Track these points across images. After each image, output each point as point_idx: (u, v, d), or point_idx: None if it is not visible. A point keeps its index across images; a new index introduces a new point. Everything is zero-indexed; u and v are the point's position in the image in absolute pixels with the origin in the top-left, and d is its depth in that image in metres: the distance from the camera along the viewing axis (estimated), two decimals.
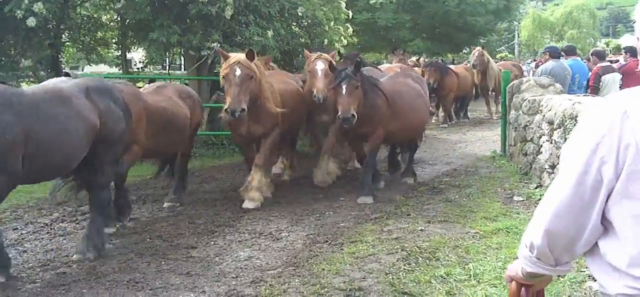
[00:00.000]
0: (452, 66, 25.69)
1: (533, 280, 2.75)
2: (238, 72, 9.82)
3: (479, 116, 26.02)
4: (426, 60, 25.11)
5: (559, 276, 6.58)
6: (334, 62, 11.66)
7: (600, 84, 13.96)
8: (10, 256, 7.63)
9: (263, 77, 10.53)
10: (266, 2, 15.31)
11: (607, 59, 16.76)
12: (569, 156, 2.43)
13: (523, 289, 2.81)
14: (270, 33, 14.95)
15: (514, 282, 2.81)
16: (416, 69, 20.54)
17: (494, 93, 25.36)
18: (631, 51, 15.69)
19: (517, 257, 2.75)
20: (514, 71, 25.51)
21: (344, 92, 10.12)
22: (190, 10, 14.43)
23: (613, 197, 2.26)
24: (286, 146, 13.06)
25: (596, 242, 2.40)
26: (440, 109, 24.70)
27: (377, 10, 30.00)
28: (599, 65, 14.81)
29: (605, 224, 2.35)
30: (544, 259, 2.55)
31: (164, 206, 10.68)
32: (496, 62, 29.34)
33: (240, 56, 10.18)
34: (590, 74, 15.04)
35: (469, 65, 26.31)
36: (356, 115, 10.03)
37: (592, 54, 16.16)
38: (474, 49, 26.14)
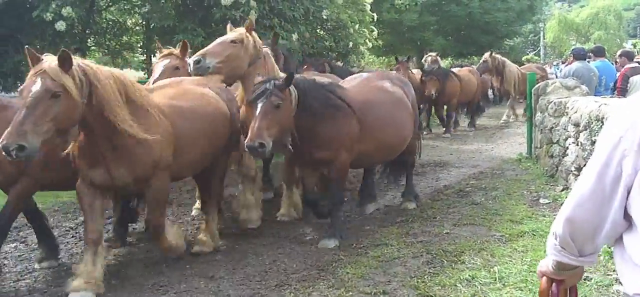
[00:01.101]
0: (455, 69, 24.34)
1: (563, 274, 2.77)
2: (34, 88, 5.99)
3: (489, 123, 25.51)
4: (426, 68, 22.92)
5: (585, 279, 6.54)
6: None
7: (628, 85, 13.82)
8: (35, 259, 7.70)
9: (107, 88, 6.50)
10: (291, 6, 15.33)
11: (635, 60, 16.60)
12: (595, 150, 2.47)
13: (554, 285, 2.80)
14: (294, 36, 14.96)
15: (544, 278, 2.83)
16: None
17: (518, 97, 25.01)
18: None
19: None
20: (538, 74, 25.32)
21: (257, 112, 7.53)
22: (214, 14, 14.48)
23: (633, 192, 2.28)
24: (204, 192, 8.88)
25: (622, 238, 2.41)
26: (430, 119, 22.99)
27: (403, 11, 29.97)
28: (627, 66, 14.67)
29: (629, 220, 2.37)
30: (567, 248, 2.60)
31: (192, 213, 10.67)
32: (522, 65, 29.19)
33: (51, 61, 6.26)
34: (617, 75, 14.91)
35: (473, 68, 25.31)
36: (270, 144, 7.39)
37: (620, 55, 15.99)
38: (490, 51, 25.17)
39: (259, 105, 7.60)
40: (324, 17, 16.37)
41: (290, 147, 8.20)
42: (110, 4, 17.56)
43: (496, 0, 31.09)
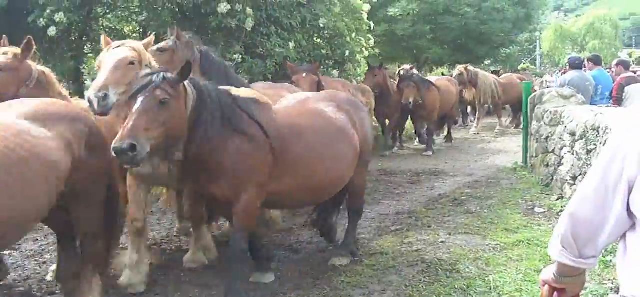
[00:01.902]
0: (433, 78, 22.75)
1: (565, 282, 2.79)
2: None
3: (483, 133, 25.50)
4: (401, 72, 19.69)
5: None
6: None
7: (624, 94, 13.85)
8: (30, 267, 7.70)
9: None
10: (288, 14, 15.34)
11: (630, 69, 16.66)
12: (602, 150, 2.55)
13: (556, 293, 2.82)
14: (291, 44, 14.97)
15: (546, 286, 2.85)
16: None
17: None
18: None
19: (540, 270, 2.80)
20: (518, 86, 25.13)
21: (135, 108, 5.71)
22: (211, 22, 14.49)
23: (635, 190, 2.34)
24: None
25: (625, 237, 2.44)
26: (397, 136, 20.35)
27: (398, 21, 29.96)
28: (622, 75, 14.72)
29: (633, 218, 2.42)
30: (568, 248, 2.63)
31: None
32: (517, 73, 29.29)
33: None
34: (613, 84, 14.97)
35: (452, 78, 23.67)
36: (145, 148, 5.52)
37: (617, 64, 16.05)
38: (465, 65, 24.77)
39: (139, 101, 5.74)
40: (321, 25, 16.36)
41: (176, 169, 6.72)
42: (107, 11, 17.53)
43: (492, 11, 31.03)
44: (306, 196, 7.37)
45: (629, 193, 2.36)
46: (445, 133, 22.26)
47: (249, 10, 14.04)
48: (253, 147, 6.42)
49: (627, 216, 2.42)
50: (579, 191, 2.58)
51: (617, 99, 13.71)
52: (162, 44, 8.47)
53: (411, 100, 17.88)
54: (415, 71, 21.13)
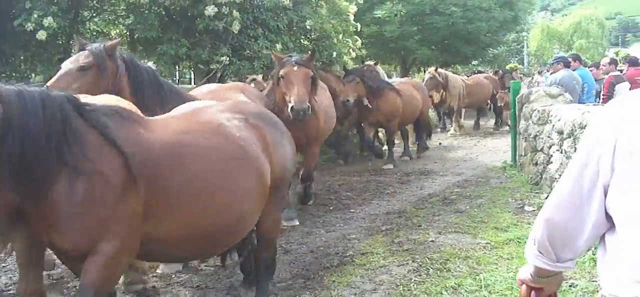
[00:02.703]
0: (397, 80, 20.03)
1: (542, 282, 2.78)
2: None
3: (472, 133, 25.51)
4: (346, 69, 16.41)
5: (571, 286, 6.57)
6: None
7: (614, 93, 13.93)
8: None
9: None
10: (274, 16, 15.36)
11: (617, 68, 16.77)
12: (575, 153, 2.50)
13: (533, 292, 2.82)
14: (278, 46, 14.98)
15: (524, 286, 2.84)
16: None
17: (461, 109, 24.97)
18: (631, 62, 15.92)
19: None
20: (487, 86, 25.59)
21: None
22: (198, 25, 14.49)
23: (611, 192, 2.29)
24: None
25: (604, 239, 2.43)
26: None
27: (385, 23, 29.96)
28: (611, 74, 14.81)
29: (611, 220, 2.37)
30: (545, 253, 2.60)
31: None
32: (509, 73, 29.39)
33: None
34: (595, 82, 15.06)
35: (417, 81, 21.55)
36: None
37: (610, 63, 16.20)
38: (435, 66, 23.97)
39: None
40: (308, 27, 16.37)
41: None
42: (94, 14, 17.49)
43: (479, 11, 31.06)
44: (195, 245, 5.23)
45: (605, 196, 2.32)
46: (420, 142, 18.90)
47: (235, 13, 14.05)
48: (102, 179, 4.38)
49: (605, 219, 2.38)
50: (554, 194, 2.55)
51: (608, 97, 13.77)
52: (83, 60, 6.99)
53: (350, 99, 14.70)
54: (380, 70, 18.96)
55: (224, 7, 13.98)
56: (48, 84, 6.30)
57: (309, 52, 10.49)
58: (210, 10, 13.75)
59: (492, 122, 27.19)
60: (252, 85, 10.79)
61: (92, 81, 6.81)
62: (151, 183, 4.61)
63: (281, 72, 9.46)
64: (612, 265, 2.34)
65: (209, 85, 9.88)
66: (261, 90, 10.77)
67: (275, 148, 5.83)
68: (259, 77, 11.20)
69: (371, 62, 19.41)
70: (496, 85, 26.24)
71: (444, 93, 23.38)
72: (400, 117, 16.56)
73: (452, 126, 24.62)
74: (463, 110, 25.30)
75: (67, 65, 6.95)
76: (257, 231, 6.25)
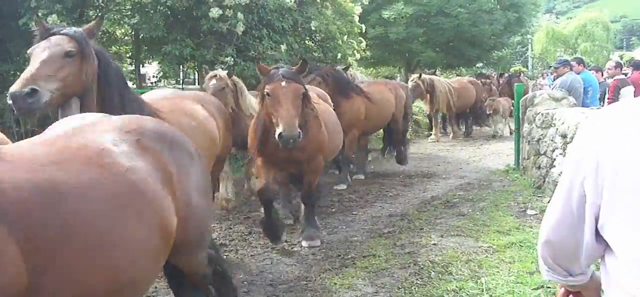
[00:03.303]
0: (365, 82, 16.22)
1: (578, 288, 2.72)
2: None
3: (475, 135, 25.34)
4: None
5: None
6: None
7: (619, 96, 13.92)
8: None
9: None
10: (279, 17, 15.38)
11: (621, 71, 16.73)
12: (563, 171, 2.45)
13: (571, 296, 2.78)
14: (283, 47, 15.00)
15: (562, 289, 2.80)
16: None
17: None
18: (636, 65, 15.88)
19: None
20: (470, 90, 24.47)
21: None
22: (202, 26, 14.52)
23: (602, 215, 2.22)
24: None
25: (605, 261, 2.38)
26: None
27: (390, 24, 29.94)
28: (616, 77, 14.80)
29: (604, 242, 2.30)
30: (554, 270, 2.59)
31: None
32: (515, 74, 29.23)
33: None
34: (599, 86, 15.05)
35: (393, 82, 18.43)
36: None
37: (615, 66, 16.13)
38: (418, 74, 22.71)
39: None
40: (313, 28, 16.40)
41: None
42: (99, 14, 17.52)
43: (482, 13, 31.06)
44: None
45: (596, 220, 2.25)
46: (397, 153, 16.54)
47: (239, 15, 14.08)
48: None
49: (596, 243, 2.31)
50: (548, 215, 2.50)
51: (613, 101, 13.77)
52: (67, 44, 5.88)
53: None
54: (359, 75, 17.31)
55: (228, 9, 14.00)
56: (28, 72, 5.52)
57: (300, 61, 8.55)
58: (215, 12, 13.79)
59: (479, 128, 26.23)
60: (213, 82, 9.75)
61: (76, 72, 5.78)
62: (21, 234, 2.98)
63: (267, 89, 8.06)
64: (616, 290, 2.29)
65: (164, 91, 8.58)
66: (223, 88, 9.94)
67: (181, 179, 4.27)
68: (222, 73, 10.11)
69: (340, 67, 15.41)
70: (480, 90, 25.15)
71: (432, 98, 22.54)
72: (363, 125, 14.13)
73: (440, 132, 23.77)
74: (440, 115, 24.36)
75: (46, 50, 5.78)
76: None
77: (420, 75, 22.52)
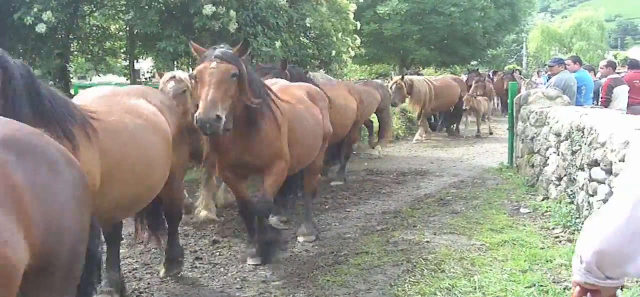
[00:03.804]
0: (326, 84, 12.94)
1: (600, 285, 2.69)
2: None
3: (468, 133, 25.28)
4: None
5: (565, 288, 6.58)
6: None
7: (611, 95, 13.94)
8: None
9: None
10: (274, 13, 15.36)
11: (615, 71, 16.74)
12: (627, 180, 2.39)
13: (589, 294, 2.74)
14: (278, 44, 14.99)
15: (578, 287, 2.76)
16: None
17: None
18: (631, 64, 15.89)
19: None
20: (455, 88, 23.55)
21: None
22: (195, 23, 14.52)
23: None
24: None
25: None
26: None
27: (385, 21, 29.98)
28: (610, 76, 14.81)
29: None
30: (593, 272, 2.53)
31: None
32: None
33: None
34: (593, 85, 15.06)
35: (352, 83, 16.84)
36: None
37: (607, 65, 16.09)
38: (400, 76, 21.93)
39: None
40: (308, 25, 16.40)
41: None
42: (94, 9, 17.51)
43: (474, 11, 31.11)
44: None
45: None
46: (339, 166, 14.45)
47: (231, 13, 14.06)
48: None
49: None
50: (603, 225, 2.42)
51: (606, 100, 13.79)
52: None
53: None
54: (314, 74, 14.30)
55: (221, 6, 13.98)
56: None
57: (241, 42, 7.57)
58: (208, 9, 13.77)
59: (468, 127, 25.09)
60: (171, 84, 8.65)
61: None
62: None
63: (195, 71, 7.29)
64: None
65: (101, 89, 7.12)
66: (183, 91, 8.59)
67: (37, 198, 3.22)
68: (181, 74, 9.21)
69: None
70: (464, 88, 24.47)
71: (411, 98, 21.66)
72: None
73: (418, 132, 22.47)
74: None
75: None
76: None
77: (403, 77, 21.55)
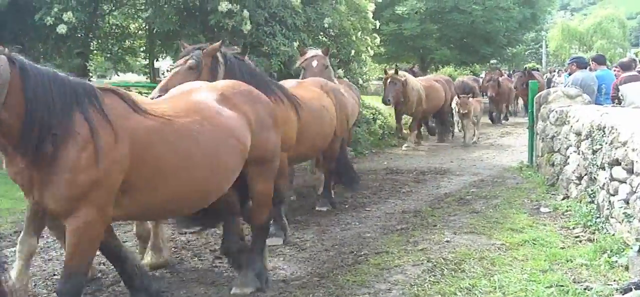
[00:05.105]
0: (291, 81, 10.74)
1: None
2: None
3: (489, 132, 25.17)
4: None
5: (586, 289, 6.54)
6: None
7: (619, 94, 13.81)
8: (35, 264, 7.69)
9: None
10: (292, 13, 15.35)
11: (636, 69, 16.54)
12: None
13: None
14: (296, 44, 15.00)
15: None
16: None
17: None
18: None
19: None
20: (440, 91, 21.43)
21: None
22: (209, 20, 14.53)
23: None
24: None
25: None
26: None
27: (404, 20, 29.90)
28: (622, 76, 14.67)
29: None
30: None
31: None
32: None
33: None
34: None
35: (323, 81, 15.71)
36: None
37: (616, 66, 15.95)
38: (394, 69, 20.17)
39: None
40: (326, 25, 16.37)
41: None
42: (113, 8, 17.58)
43: (498, 9, 30.94)
44: None
45: None
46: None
47: (245, 12, 14.04)
48: None
49: None
50: None
51: (613, 98, 13.66)
52: None
53: None
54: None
55: (235, 4, 13.98)
56: None
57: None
58: (224, 6, 13.78)
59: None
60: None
61: None
62: None
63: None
64: None
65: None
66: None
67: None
68: None
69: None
70: (447, 89, 22.45)
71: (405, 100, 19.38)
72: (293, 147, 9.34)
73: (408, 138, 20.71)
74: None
75: None
76: None
77: (397, 71, 19.59)
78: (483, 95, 27.82)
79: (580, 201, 10.00)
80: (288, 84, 9.97)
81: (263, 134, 6.62)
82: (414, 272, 7.47)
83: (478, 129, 21.58)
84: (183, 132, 5.66)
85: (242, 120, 6.34)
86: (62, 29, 13.50)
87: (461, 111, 20.56)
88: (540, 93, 14.58)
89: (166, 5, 15.60)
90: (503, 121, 28.03)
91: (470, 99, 21.20)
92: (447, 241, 8.73)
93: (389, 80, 18.71)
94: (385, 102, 18.26)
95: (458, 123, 22.55)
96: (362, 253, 8.31)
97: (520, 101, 30.85)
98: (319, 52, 10.87)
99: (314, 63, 10.22)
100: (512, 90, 27.84)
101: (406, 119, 21.32)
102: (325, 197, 11.31)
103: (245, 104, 6.51)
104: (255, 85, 7.41)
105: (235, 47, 10.20)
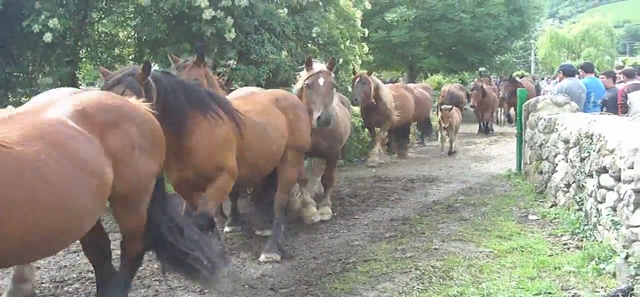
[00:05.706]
0: (238, 91, 10.44)
1: None
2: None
3: (478, 140, 25.24)
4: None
5: (573, 296, 6.56)
6: None
7: (627, 102, 13.85)
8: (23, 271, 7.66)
9: None
10: (281, 22, 15.34)
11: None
12: None
13: None
14: (284, 52, 14.99)
15: None
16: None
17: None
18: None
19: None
20: (409, 100, 19.82)
21: None
22: (192, 28, 14.51)
23: None
24: None
25: None
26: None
27: (393, 28, 29.92)
28: (627, 83, 14.71)
29: None
30: None
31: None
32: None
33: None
34: (605, 91, 14.95)
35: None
36: None
37: (621, 73, 15.98)
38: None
39: None
40: (314, 34, 16.36)
41: None
42: (102, 16, 17.53)
43: (487, 17, 30.99)
44: None
45: None
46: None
47: (228, 20, 14.00)
48: None
49: None
50: None
51: (623, 107, 13.68)
52: None
53: None
54: None
55: (219, 11, 13.96)
56: None
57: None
58: (208, 13, 13.75)
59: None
60: None
61: None
62: None
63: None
64: None
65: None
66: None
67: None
68: None
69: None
70: (422, 103, 21.37)
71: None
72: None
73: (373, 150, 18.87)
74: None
75: None
76: None
77: (370, 72, 18.62)
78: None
79: (568, 209, 10.03)
80: (240, 93, 9.75)
81: (132, 161, 5.34)
82: (403, 280, 7.49)
83: (456, 137, 21.18)
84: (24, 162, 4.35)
85: (100, 149, 5.03)
86: (48, 37, 13.44)
87: (443, 125, 20.10)
88: (528, 101, 14.63)
89: (154, 14, 15.56)
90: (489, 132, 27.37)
91: (452, 109, 20.61)
92: (436, 249, 8.76)
93: (357, 80, 17.48)
94: (353, 102, 16.90)
95: (437, 134, 22.17)
96: (351, 261, 8.32)
97: (504, 110, 30.99)
98: (324, 67, 9.57)
99: (321, 81, 9.17)
100: (496, 100, 27.77)
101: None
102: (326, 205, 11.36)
103: (108, 125, 5.21)
104: (188, 100, 7.22)
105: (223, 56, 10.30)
